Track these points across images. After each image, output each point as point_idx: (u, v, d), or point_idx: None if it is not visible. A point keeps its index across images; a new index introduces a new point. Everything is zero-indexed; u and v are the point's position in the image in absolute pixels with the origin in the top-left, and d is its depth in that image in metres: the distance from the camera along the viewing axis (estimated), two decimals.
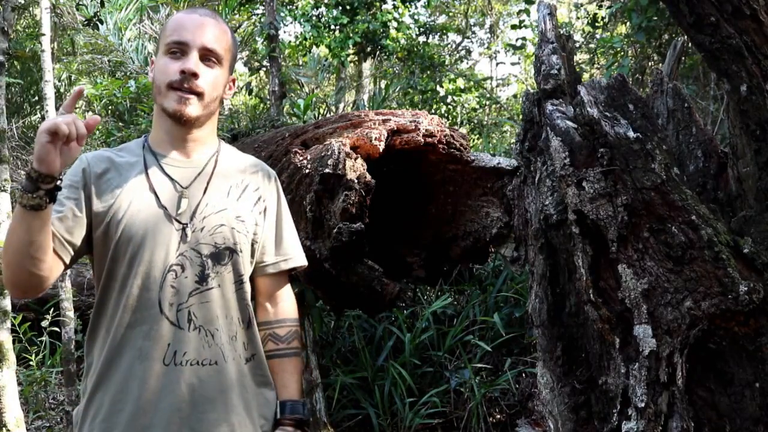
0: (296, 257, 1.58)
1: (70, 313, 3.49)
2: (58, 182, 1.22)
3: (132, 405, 1.36)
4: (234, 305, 1.45)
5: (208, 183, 1.46)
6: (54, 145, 1.17)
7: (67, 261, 1.38)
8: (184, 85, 1.38)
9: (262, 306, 1.57)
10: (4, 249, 1.30)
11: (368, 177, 2.30)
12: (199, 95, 1.40)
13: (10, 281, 1.33)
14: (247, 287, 1.49)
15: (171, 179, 1.44)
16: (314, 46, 8.12)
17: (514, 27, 6.66)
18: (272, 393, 1.52)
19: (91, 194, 1.40)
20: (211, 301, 1.41)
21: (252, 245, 1.49)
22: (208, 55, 1.41)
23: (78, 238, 1.38)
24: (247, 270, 1.48)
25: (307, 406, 1.55)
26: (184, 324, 1.38)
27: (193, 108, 1.40)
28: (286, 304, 1.58)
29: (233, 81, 1.53)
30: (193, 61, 1.38)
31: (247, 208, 1.49)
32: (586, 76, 6.44)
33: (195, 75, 1.38)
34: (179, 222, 1.41)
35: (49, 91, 3.67)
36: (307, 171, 2.36)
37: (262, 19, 6.41)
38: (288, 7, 7.96)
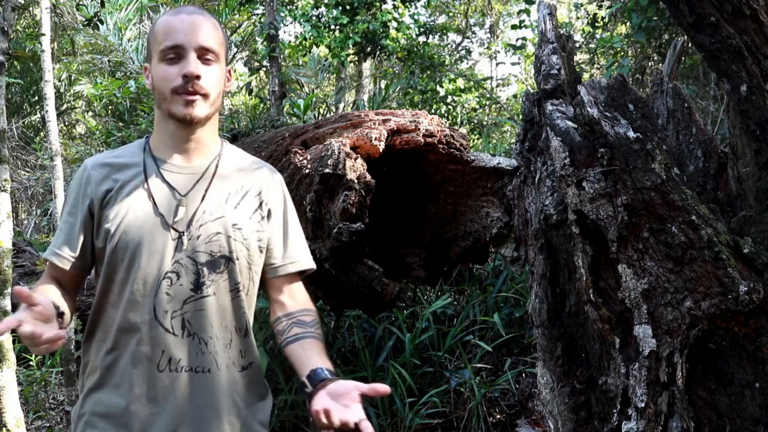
0: (303, 260, 1.56)
1: None
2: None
3: (125, 410, 1.37)
4: (230, 313, 1.44)
5: (206, 190, 1.45)
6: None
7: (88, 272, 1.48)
8: (188, 89, 1.37)
9: (278, 302, 1.55)
10: None
11: (368, 177, 2.30)
12: (205, 96, 1.40)
13: None
14: (244, 296, 1.47)
15: (170, 186, 1.43)
16: (314, 46, 8.12)
17: (514, 27, 6.66)
18: (267, 401, 1.52)
19: (93, 204, 1.42)
20: (205, 308, 1.41)
21: (259, 251, 1.49)
22: (205, 54, 1.39)
23: (89, 254, 1.45)
24: (245, 277, 1.46)
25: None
26: (178, 331, 1.38)
27: (200, 109, 1.40)
28: (304, 298, 1.57)
29: (229, 72, 1.51)
30: (192, 64, 1.37)
31: (246, 216, 1.47)
32: (586, 76, 6.44)
33: (198, 77, 1.37)
34: (176, 230, 1.40)
35: (49, 91, 3.68)
36: (307, 171, 2.36)
37: (262, 19, 6.41)
38: (288, 7, 7.96)
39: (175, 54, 1.38)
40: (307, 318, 1.52)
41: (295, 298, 1.56)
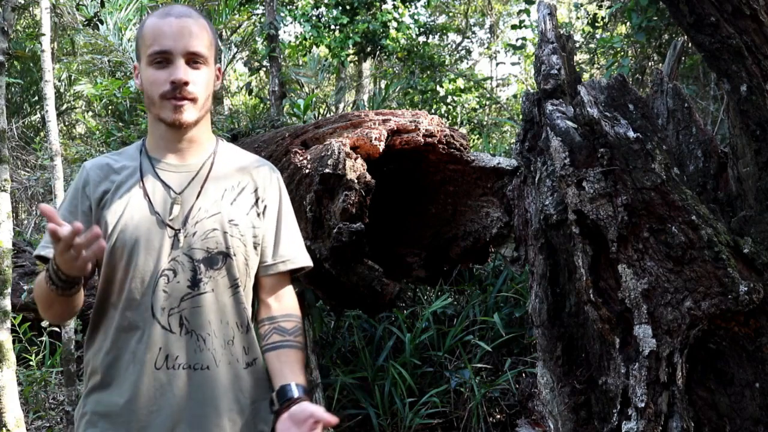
0: (296, 259, 1.55)
1: None
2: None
3: (125, 408, 1.37)
4: (230, 310, 1.45)
5: (201, 187, 1.45)
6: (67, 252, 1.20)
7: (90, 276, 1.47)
8: (176, 95, 1.38)
9: (264, 303, 1.56)
10: (39, 305, 1.42)
11: (368, 177, 2.30)
12: (193, 100, 1.40)
13: (48, 319, 1.54)
14: (243, 291, 1.47)
15: (165, 185, 1.44)
16: (314, 46, 8.13)
17: (514, 27, 6.66)
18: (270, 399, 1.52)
19: (92, 205, 1.43)
20: (203, 305, 1.41)
21: (254, 247, 1.49)
22: (193, 59, 1.40)
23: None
24: (243, 273, 1.46)
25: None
26: (175, 328, 1.39)
27: (189, 114, 1.40)
28: (290, 301, 1.57)
29: (219, 70, 1.51)
30: (181, 70, 1.37)
31: (243, 212, 1.47)
32: (586, 76, 6.44)
33: (186, 83, 1.38)
34: (171, 228, 1.40)
35: (49, 91, 3.67)
36: (307, 171, 2.36)
37: (262, 19, 6.41)
38: (288, 7, 7.96)
39: (163, 59, 1.38)
40: (287, 324, 1.52)
41: (281, 301, 1.55)
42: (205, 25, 1.45)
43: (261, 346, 1.52)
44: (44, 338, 4.31)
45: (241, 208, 1.48)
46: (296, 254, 1.56)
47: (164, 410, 1.37)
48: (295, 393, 1.40)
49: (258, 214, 1.50)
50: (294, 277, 1.61)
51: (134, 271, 1.38)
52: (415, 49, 8.29)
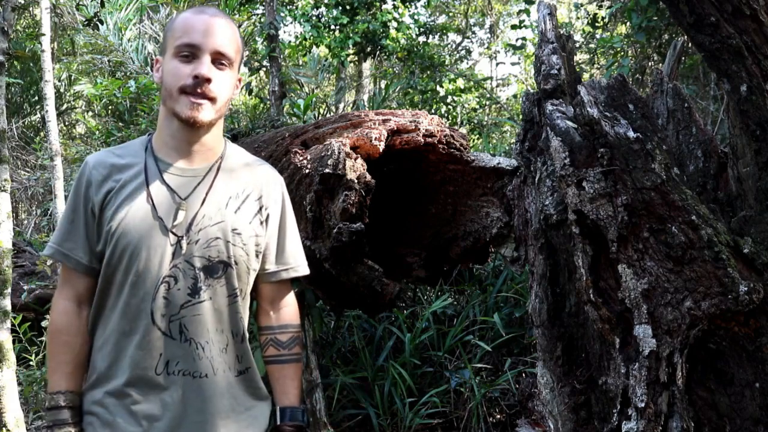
0: (298, 266, 1.57)
1: None
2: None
3: (124, 413, 1.37)
4: (226, 319, 1.45)
5: (207, 194, 1.44)
6: None
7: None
8: (197, 90, 1.36)
9: (264, 311, 1.57)
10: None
11: (368, 177, 2.30)
12: (212, 100, 1.38)
13: None
14: (241, 301, 1.47)
15: (170, 189, 1.42)
16: (314, 46, 8.12)
17: (514, 27, 6.66)
18: (264, 405, 1.53)
19: (95, 207, 1.42)
20: (202, 314, 1.40)
21: (256, 255, 1.49)
22: (220, 59, 1.39)
23: (96, 254, 1.45)
24: (243, 282, 1.46)
25: (306, 412, 1.57)
26: (176, 335, 1.39)
27: (206, 113, 1.38)
28: (288, 309, 1.58)
29: (239, 80, 1.51)
30: (206, 66, 1.36)
31: (246, 220, 1.47)
32: (586, 76, 6.44)
33: (208, 80, 1.36)
34: (175, 234, 1.39)
35: (49, 91, 3.68)
36: (307, 171, 2.35)
37: (262, 19, 6.41)
38: (288, 7, 7.96)
39: (190, 53, 1.37)
40: (283, 337, 1.56)
41: (280, 310, 1.57)
42: (236, 30, 1.45)
43: (262, 355, 1.57)
44: (44, 338, 4.31)
45: (245, 217, 1.47)
46: (299, 262, 1.58)
47: (163, 416, 1.37)
48: (278, 419, 1.52)
49: (261, 223, 1.49)
50: (293, 278, 1.62)
51: (134, 275, 1.38)
52: (415, 49, 8.29)
